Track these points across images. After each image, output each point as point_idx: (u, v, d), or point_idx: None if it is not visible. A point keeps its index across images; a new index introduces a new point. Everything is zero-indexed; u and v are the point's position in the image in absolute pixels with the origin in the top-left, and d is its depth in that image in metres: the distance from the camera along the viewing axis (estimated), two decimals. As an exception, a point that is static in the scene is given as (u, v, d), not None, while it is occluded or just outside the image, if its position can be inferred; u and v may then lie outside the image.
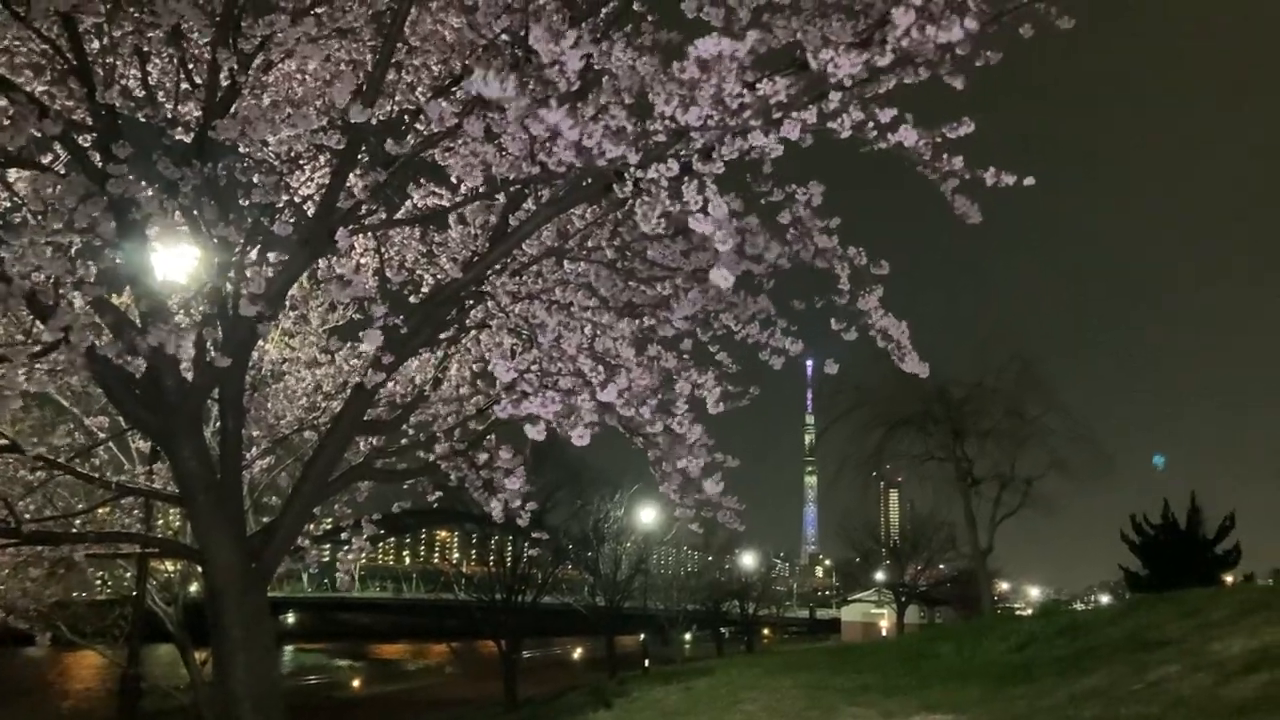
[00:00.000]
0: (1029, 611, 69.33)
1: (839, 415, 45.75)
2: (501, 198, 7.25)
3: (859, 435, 45.31)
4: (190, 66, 7.01)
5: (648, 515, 48.62)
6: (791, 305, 6.89)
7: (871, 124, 5.04)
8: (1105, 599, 79.66)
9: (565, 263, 7.58)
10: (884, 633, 73.95)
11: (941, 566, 72.02)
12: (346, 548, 10.81)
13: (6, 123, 5.57)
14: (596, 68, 5.61)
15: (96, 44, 6.84)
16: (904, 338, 6.14)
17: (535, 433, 6.20)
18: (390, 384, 9.15)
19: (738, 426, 7.17)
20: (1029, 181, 5.41)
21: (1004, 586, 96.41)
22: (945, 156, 5.32)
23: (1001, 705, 16.73)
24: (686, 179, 4.80)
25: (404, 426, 9.08)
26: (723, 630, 72.12)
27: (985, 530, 44.14)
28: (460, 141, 6.46)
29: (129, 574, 16.07)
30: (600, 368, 6.35)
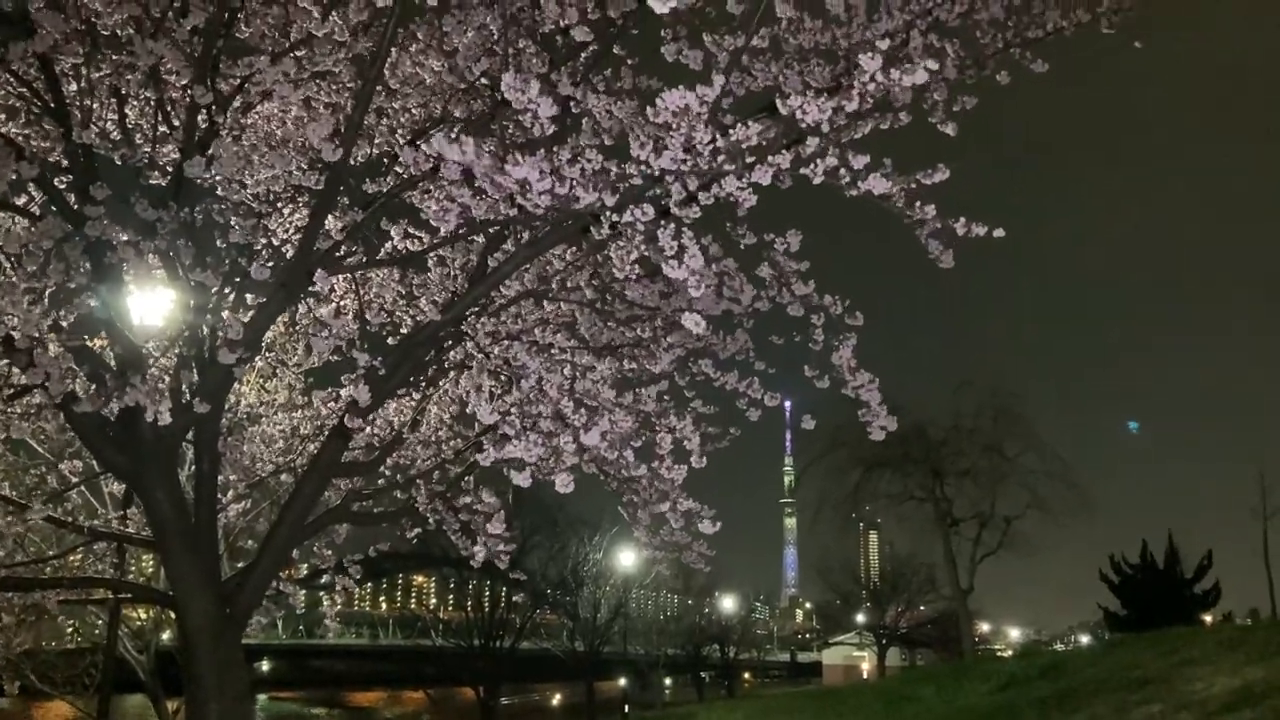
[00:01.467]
0: (1009, 652, 69.15)
1: (817, 456, 45.91)
2: (480, 239, 7.26)
3: (837, 476, 45.43)
4: (168, 108, 7.00)
5: (626, 558, 48.38)
6: (770, 342, 6.92)
7: (845, 171, 5.08)
8: (1085, 639, 79.47)
9: (544, 303, 7.58)
10: (865, 675, 73.58)
11: (922, 608, 71.87)
12: (323, 593, 10.70)
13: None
14: (575, 110, 5.65)
15: (74, 85, 6.83)
16: (875, 400, 6.16)
17: (521, 479, 6.16)
18: (367, 426, 9.10)
19: (716, 468, 7.15)
20: (999, 233, 5.47)
21: (984, 627, 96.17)
22: (918, 205, 5.38)
23: (984, 748, 16.63)
24: (663, 224, 4.83)
25: (381, 468, 9.01)
26: (703, 674, 71.54)
27: (965, 570, 44.17)
28: (437, 185, 6.47)
29: (100, 622, 15.83)
30: (582, 410, 6.33)
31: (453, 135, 4.49)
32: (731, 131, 4.74)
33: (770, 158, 4.92)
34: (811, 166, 5.05)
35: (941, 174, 5.29)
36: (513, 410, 6.70)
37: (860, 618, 77.63)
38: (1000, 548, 44.07)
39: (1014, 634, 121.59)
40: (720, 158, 4.82)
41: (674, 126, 4.57)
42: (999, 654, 70.52)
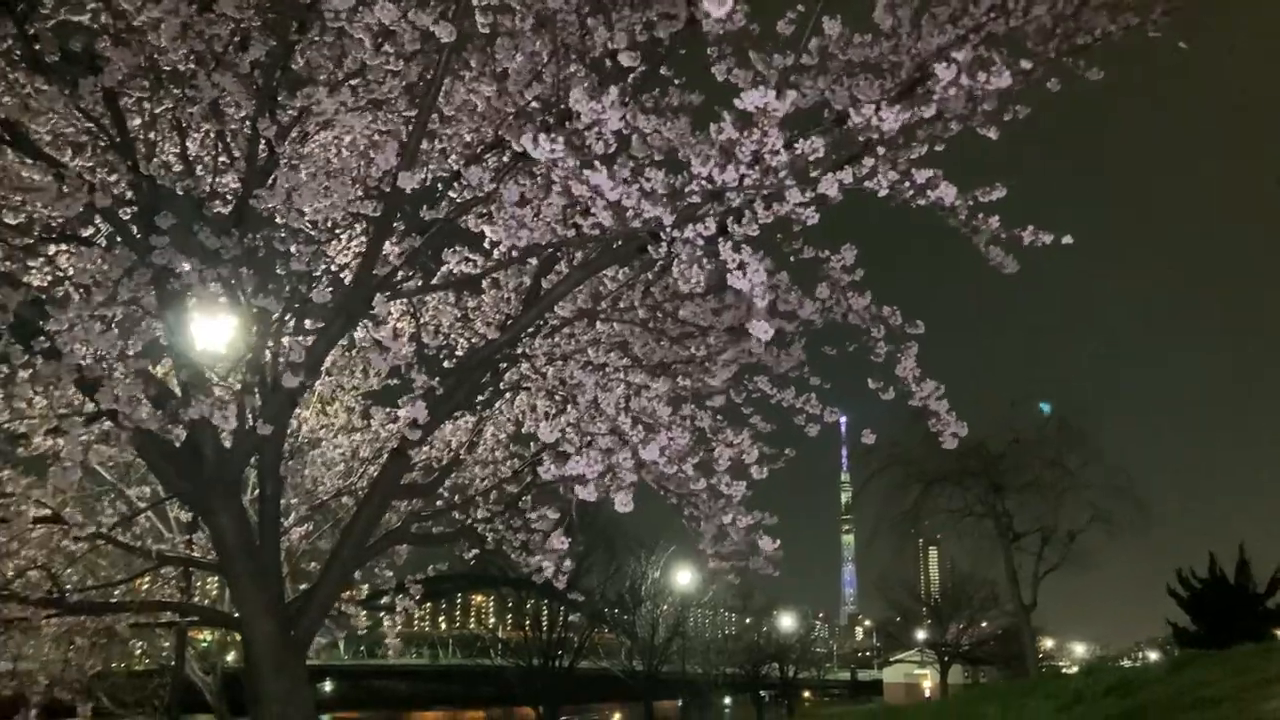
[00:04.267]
0: (1074, 669, 67.72)
1: (874, 473, 45.28)
2: (534, 261, 7.32)
3: (895, 493, 44.83)
4: (229, 139, 7.17)
5: (684, 577, 48.18)
6: (826, 357, 6.90)
7: (908, 183, 5.08)
8: (1154, 656, 77.60)
9: (598, 323, 7.62)
10: (927, 694, 72.50)
11: (984, 624, 70.58)
12: (384, 614, 10.82)
13: (56, 197, 5.70)
14: (626, 131, 5.69)
15: (138, 120, 7.02)
16: (944, 409, 6.10)
17: (586, 494, 6.17)
18: (426, 447, 9.20)
19: (772, 486, 7.11)
20: (1067, 240, 5.44)
21: (1049, 644, 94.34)
22: (981, 216, 5.38)
23: (1051, 767, 16.30)
24: (722, 239, 4.84)
25: (440, 490, 9.09)
26: (762, 693, 70.97)
27: (1028, 586, 43.34)
28: (495, 207, 6.55)
29: (167, 644, 16.12)
30: (639, 427, 6.35)
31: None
32: (796, 145, 4.75)
33: (833, 173, 4.92)
34: (875, 180, 5.06)
35: (999, 191, 5.31)
36: (569, 428, 6.73)
37: (921, 635, 76.51)
38: (1063, 563, 43.24)
39: (1079, 650, 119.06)
40: (783, 173, 4.82)
41: (743, 138, 4.58)
42: (1063, 671, 69.13)
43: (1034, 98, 5.76)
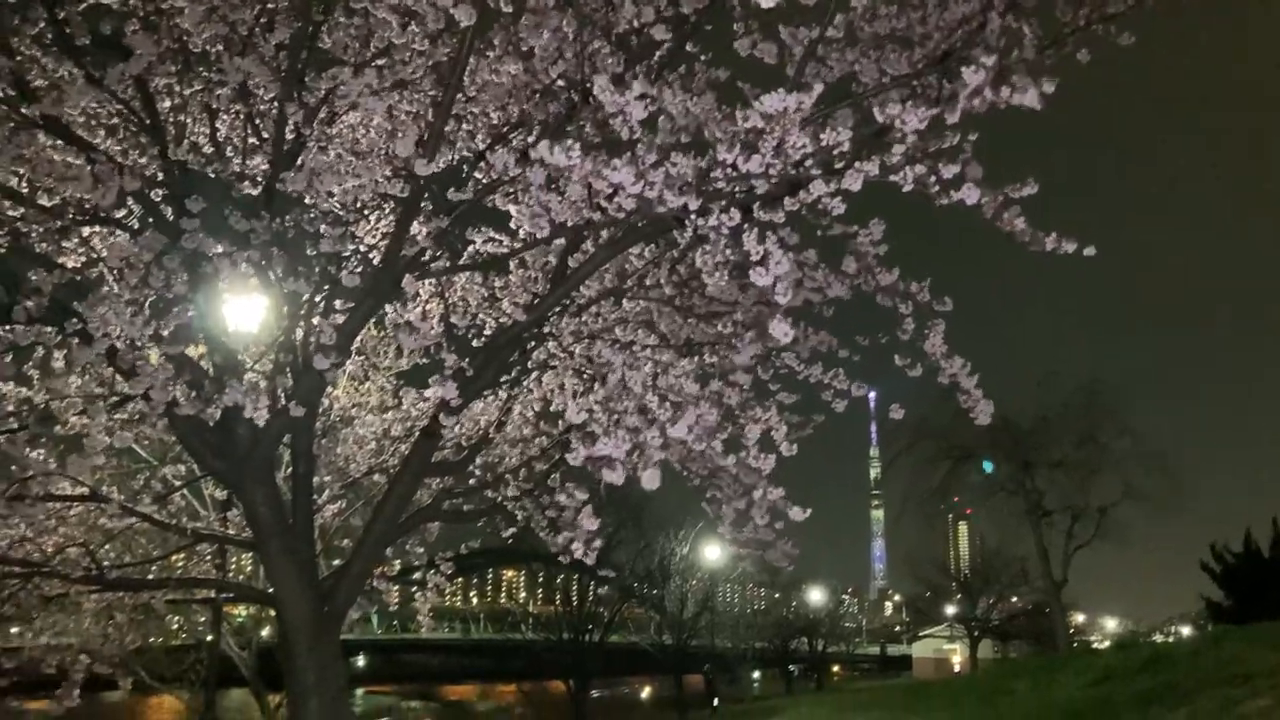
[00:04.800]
0: (1106, 644, 67.41)
1: (902, 449, 45.24)
2: (561, 240, 7.33)
3: (924, 469, 44.75)
4: (257, 121, 7.21)
5: (712, 552, 48.32)
6: (854, 338, 6.87)
7: (934, 178, 5.04)
8: (1186, 631, 77.11)
9: (624, 301, 7.63)
10: (957, 669, 72.45)
11: (1014, 600, 70.37)
12: (415, 589, 10.95)
13: (91, 180, 5.76)
14: (652, 109, 5.68)
15: (167, 103, 7.07)
16: (971, 384, 6.07)
17: (614, 477, 6.19)
18: (456, 426, 9.25)
19: (802, 461, 7.11)
20: (1089, 251, 5.38)
21: (1079, 619, 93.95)
22: (1006, 217, 5.33)
23: (1082, 742, 16.28)
24: (747, 227, 4.82)
25: (470, 467, 9.15)
26: (791, 668, 71.17)
27: (1058, 562, 43.20)
28: (521, 188, 6.56)
29: (204, 619, 16.37)
30: (666, 405, 6.35)
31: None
32: (822, 136, 4.72)
33: (858, 164, 4.89)
34: (901, 174, 5.02)
35: (1030, 188, 5.25)
36: (596, 407, 6.75)
37: (951, 610, 76.41)
38: (1094, 538, 43.04)
39: (1110, 625, 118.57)
40: (809, 161, 4.80)
41: (767, 130, 4.56)
42: (1095, 646, 68.82)
43: (1061, 70, 5.68)
